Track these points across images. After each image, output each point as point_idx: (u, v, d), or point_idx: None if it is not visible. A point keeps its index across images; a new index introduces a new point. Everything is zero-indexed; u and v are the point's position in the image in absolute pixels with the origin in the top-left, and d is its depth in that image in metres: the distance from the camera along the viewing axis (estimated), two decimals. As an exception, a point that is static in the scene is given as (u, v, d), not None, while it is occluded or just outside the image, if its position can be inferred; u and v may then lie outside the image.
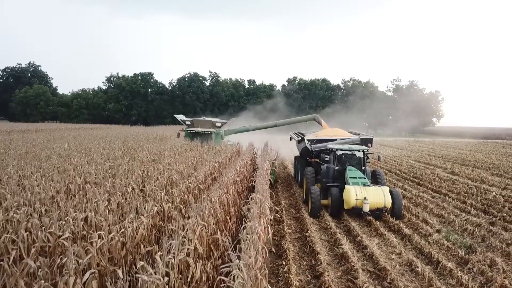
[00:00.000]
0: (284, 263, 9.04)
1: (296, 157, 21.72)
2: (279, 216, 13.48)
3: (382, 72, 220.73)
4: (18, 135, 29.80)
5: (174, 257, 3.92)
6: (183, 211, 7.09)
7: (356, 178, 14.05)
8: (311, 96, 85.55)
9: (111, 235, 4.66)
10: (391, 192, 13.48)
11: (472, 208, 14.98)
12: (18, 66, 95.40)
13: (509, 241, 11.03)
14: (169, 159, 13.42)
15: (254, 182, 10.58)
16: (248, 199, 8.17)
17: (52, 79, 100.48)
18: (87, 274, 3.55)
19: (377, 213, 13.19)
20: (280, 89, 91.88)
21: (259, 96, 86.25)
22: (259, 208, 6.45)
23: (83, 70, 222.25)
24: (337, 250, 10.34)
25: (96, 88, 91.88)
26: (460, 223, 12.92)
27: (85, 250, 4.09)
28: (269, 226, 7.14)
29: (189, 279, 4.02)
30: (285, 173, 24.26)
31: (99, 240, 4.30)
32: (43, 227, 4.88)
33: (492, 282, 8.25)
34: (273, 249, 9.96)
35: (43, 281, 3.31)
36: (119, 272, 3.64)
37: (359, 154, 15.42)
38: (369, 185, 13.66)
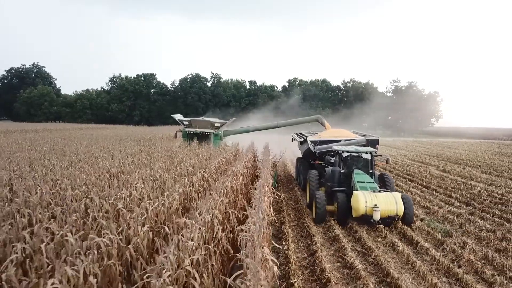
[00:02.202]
0: (284, 243, 10.51)
1: (298, 159, 20.86)
2: (279, 206, 14.94)
3: (381, 73, 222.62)
4: (35, 134, 31.32)
5: (205, 217, 5.42)
6: (200, 194, 8.58)
7: (364, 182, 12.99)
8: (311, 97, 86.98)
9: (156, 204, 6.16)
10: (402, 198, 12.33)
11: (456, 201, 16.42)
12: (22, 67, 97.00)
13: (483, 228, 12.49)
14: (181, 155, 14.95)
15: (258, 174, 12.00)
16: (252, 189, 9.61)
17: (56, 79, 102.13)
18: (145, 228, 5.06)
19: (388, 221, 12.20)
20: (280, 90, 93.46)
21: (260, 97, 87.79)
22: (262, 188, 7.93)
23: (84, 70, 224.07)
24: (330, 234, 11.82)
25: (99, 89, 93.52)
26: (442, 213, 14.36)
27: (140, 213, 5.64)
28: (271, 207, 8.61)
29: (214, 236, 5.51)
30: (285, 171, 25.50)
31: (150, 206, 5.84)
32: (105, 198, 6.42)
33: (460, 258, 9.71)
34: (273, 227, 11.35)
35: (124, 225, 4.79)
36: (167, 228, 5.11)
37: (367, 156, 14.36)
38: (378, 191, 12.58)
